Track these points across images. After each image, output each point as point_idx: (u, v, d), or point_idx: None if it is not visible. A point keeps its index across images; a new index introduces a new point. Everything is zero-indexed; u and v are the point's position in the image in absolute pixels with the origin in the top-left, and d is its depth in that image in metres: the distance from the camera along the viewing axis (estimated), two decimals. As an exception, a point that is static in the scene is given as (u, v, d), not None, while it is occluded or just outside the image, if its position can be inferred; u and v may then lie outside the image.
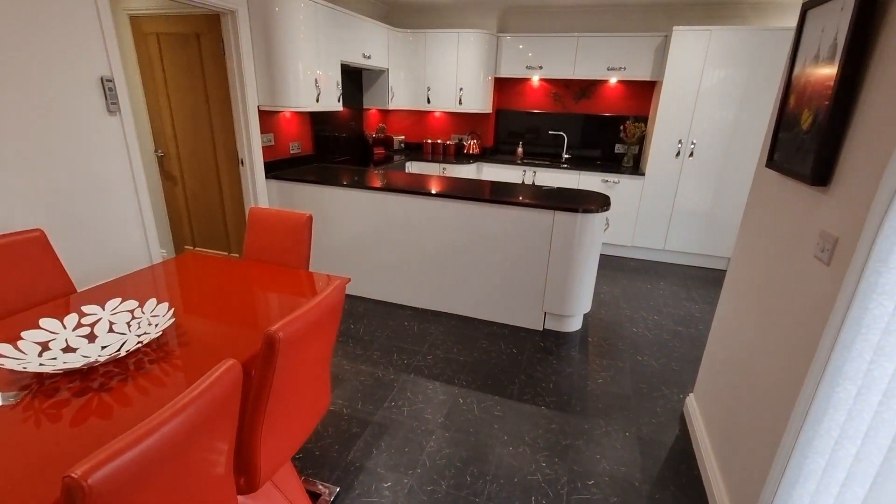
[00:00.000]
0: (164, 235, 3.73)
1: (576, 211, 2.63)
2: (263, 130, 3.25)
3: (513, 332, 2.94)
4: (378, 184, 3.09)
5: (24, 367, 1.14)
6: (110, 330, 1.39)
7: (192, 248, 3.71)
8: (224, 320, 1.52)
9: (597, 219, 2.69)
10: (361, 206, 3.12)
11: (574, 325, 2.98)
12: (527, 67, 4.44)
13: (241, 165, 3.22)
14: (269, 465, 1.24)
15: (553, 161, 4.67)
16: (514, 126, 4.93)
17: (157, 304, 1.51)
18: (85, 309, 1.42)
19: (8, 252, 1.62)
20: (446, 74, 4.49)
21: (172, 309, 1.43)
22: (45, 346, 1.28)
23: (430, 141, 5.01)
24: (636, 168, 4.35)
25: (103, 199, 2.26)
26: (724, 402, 1.76)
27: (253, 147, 3.15)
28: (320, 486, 1.74)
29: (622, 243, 4.34)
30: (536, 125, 4.84)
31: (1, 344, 1.20)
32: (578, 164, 4.48)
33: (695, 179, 3.94)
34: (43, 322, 1.33)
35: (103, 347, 1.30)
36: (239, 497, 1.28)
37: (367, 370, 2.48)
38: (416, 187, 3.01)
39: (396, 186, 3.02)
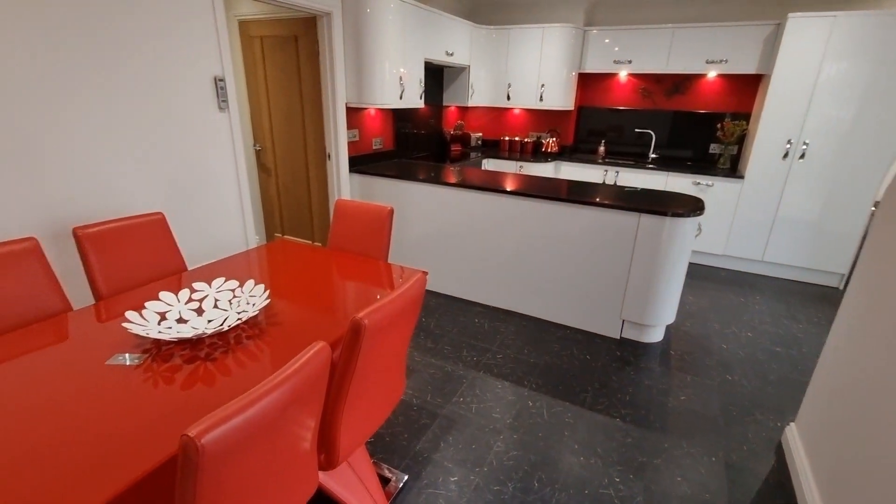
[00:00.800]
0: (257, 223, 4.05)
1: (664, 214, 2.46)
2: (349, 126, 3.40)
3: (587, 338, 2.82)
4: (454, 180, 3.11)
5: (147, 334, 1.29)
6: (215, 306, 1.53)
7: (280, 235, 4.00)
8: (310, 304, 1.61)
9: (688, 223, 2.50)
10: (437, 202, 3.16)
11: (655, 335, 2.80)
12: (614, 62, 4.23)
13: (328, 160, 3.40)
14: (348, 445, 1.30)
15: (638, 161, 4.41)
16: (596, 124, 4.72)
17: (255, 285, 1.64)
18: (195, 285, 1.58)
19: (136, 232, 1.85)
20: (528, 71, 4.41)
21: (268, 290, 1.54)
22: (162, 316, 1.45)
23: (507, 138, 4.95)
24: (733, 170, 3.97)
25: (210, 188, 2.50)
26: (838, 438, 1.55)
27: (339, 142, 3.31)
28: (389, 472, 1.80)
29: (713, 251, 3.99)
30: (621, 123, 4.60)
31: (130, 311, 1.37)
32: (666, 164, 4.19)
33: (804, 184, 3.51)
34: (162, 295, 1.50)
35: (209, 321, 1.44)
36: (318, 473, 1.35)
37: (437, 363, 2.51)
38: (492, 184, 2.99)
39: (472, 183, 3.02)
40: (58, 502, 0.82)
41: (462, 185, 3.03)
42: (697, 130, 4.28)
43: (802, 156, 3.47)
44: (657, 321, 2.70)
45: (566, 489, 1.74)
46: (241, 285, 1.69)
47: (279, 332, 1.43)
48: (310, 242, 3.84)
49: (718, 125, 4.13)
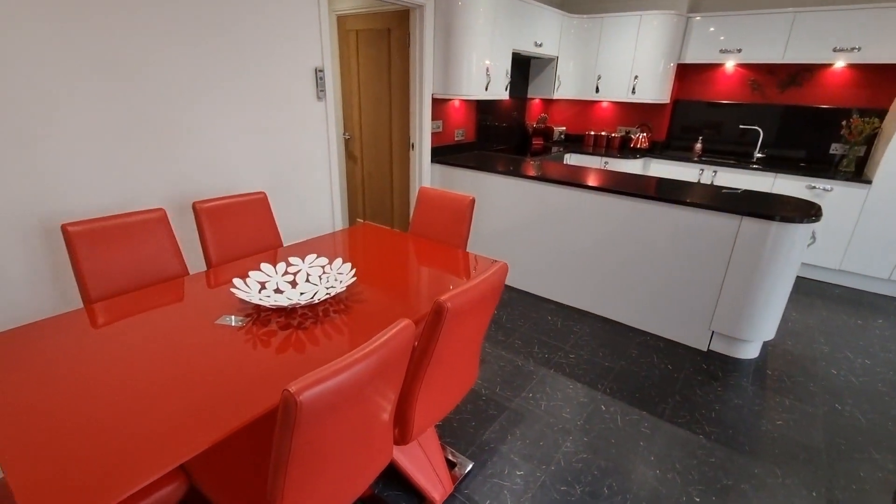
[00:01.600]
0: (342, 208, 4.28)
1: (770, 218, 2.23)
2: (434, 118, 3.46)
3: (669, 347, 2.64)
4: (534, 173, 3.05)
5: (250, 300, 1.42)
6: (307, 280, 1.64)
7: (361, 220, 4.19)
8: (390, 286, 1.67)
9: (799, 231, 2.24)
10: (516, 194, 3.12)
11: (750, 351, 2.55)
12: (720, 52, 3.87)
13: (411, 149, 3.50)
14: (421, 423, 1.33)
15: (740, 160, 4.02)
16: (693, 119, 4.37)
17: (343, 263, 1.74)
18: (291, 260, 1.70)
19: (243, 208, 2.04)
20: (621, 61, 4.18)
21: (354, 269, 1.62)
22: (262, 286, 1.58)
23: (592, 133, 4.75)
24: (858, 174, 3.48)
25: (305, 172, 2.68)
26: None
27: (424, 133, 3.39)
28: (455, 457, 1.83)
29: (826, 265, 3.54)
30: (722, 118, 4.21)
31: (236, 279, 1.52)
32: (774, 164, 3.77)
33: (955, 193, 2.98)
34: (263, 266, 1.64)
35: (301, 293, 1.55)
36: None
37: (508, 357, 2.50)
38: (574, 178, 2.88)
39: (552, 176, 2.94)
40: (170, 439, 0.94)
41: (542, 178, 2.96)
42: (815, 128, 3.80)
43: (954, 160, 2.95)
44: (753, 336, 2.46)
45: (638, 501, 1.65)
46: (330, 263, 1.80)
47: (362, 309, 1.50)
48: (389, 228, 3.98)
49: (843, 122, 3.63)
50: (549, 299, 3.19)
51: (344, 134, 4.00)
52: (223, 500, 1.15)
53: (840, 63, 3.53)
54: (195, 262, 2.11)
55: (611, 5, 4.37)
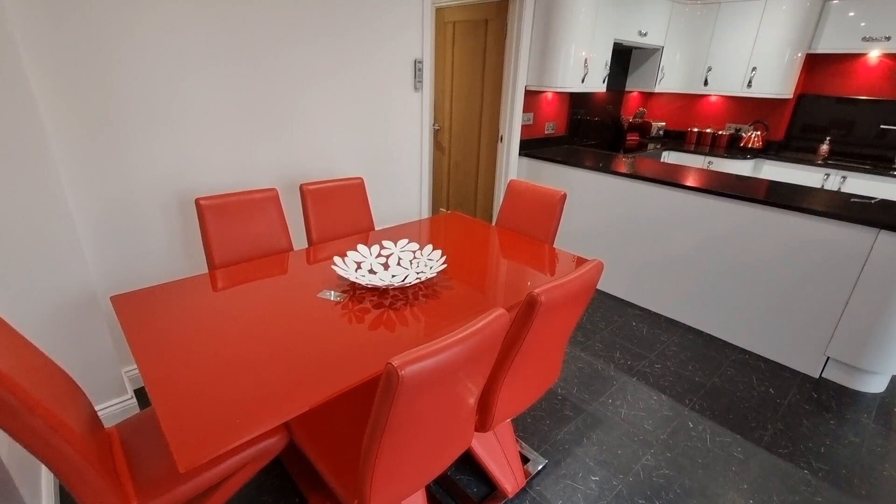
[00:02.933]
0: (426, 197, 4.39)
1: (918, 235, 1.91)
2: (525, 110, 3.41)
3: (772, 369, 2.40)
4: (626, 170, 2.89)
5: (348, 277, 1.52)
6: (398, 263, 1.72)
7: (445, 210, 4.27)
8: (478, 275, 1.69)
9: (957, 251, 1.90)
10: (606, 192, 2.99)
11: (874, 385, 2.23)
12: (863, 39, 3.37)
13: (499, 142, 3.49)
14: (501, 412, 1.35)
15: (877, 165, 3.49)
16: (821, 116, 3.85)
17: (433, 250, 1.79)
18: (384, 243, 1.79)
19: (342, 192, 2.17)
20: (737, 52, 3.80)
21: (445, 256, 1.67)
22: (358, 265, 1.68)
23: (696, 129, 4.39)
24: None
25: (399, 160, 2.79)
26: None
27: (514, 125, 3.35)
28: (528, 452, 1.82)
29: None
30: (858, 117, 3.66)
31: (337, 257, 1.63)
32: (925, 173, 3.22)
33: None
34: (359, 247, 1.74)
35: (393, 276, 1.63)
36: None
37: (587, 359, 2.42)
38: (670, 178, 2.69)
39: (646, 174, 2.76)
40: (277, 398, 1.04)
41: (634, 175, 2.80)
42: None
43: None
44: (880, 368, 2.15)
45: (727, 528, 1.54)
46: (420, 249, 1.87)
47: (450, 296, 1.54)
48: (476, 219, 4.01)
49: None
50: (634, 304, 3.03)
51: (433, 125, 4.09)
52: (319, 458, 1.25)
53: None
54: (301, 239, 2.30)
55: (730, -11, 3.97)
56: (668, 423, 1.99)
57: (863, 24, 3.35)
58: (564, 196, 2.07)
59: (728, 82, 3.92)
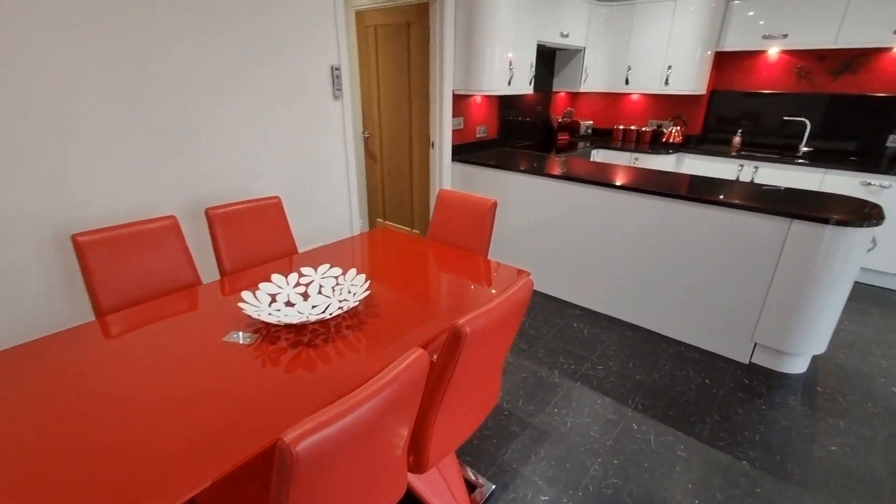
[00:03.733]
0: (361, 208, 4.22)
1: (824, 222, 2.02)
2: (454, 114, 3.34)
3: (706, 359, 2.47)
4: (559, 171, 2.89)
5: (258, 316, 1.34)
6: (319, 291, 1.56)
7: (382, 220, 4.12)
8: (408, 297, 1.57)
9: (857, 235, 2.02)
10: (541, 194, 2.97)
11: (797, 366, 2.35)
12: (763, 37, 3.60)
13: (431, 148, 3.39)
14: (438, 451, 1.23)
15: (784, 154, 3.75)
16: (731, 110, 4.10)
17: (357, 274, 1.65)
18: (303, 270, 1.62)
19: (256, 214, 1.97)
20: (653, 51, 3.95)
21: (369, 281, 1.53)
22: (273, 298, 1.51)
23: (621, 127, 4.53)
24: (921, 169, 3.18)
25: (322, 174, 2.61)
26: None
27: (444, 130, 3.27)
28: (475, 477, 1.72)
29: (885, 269, 3.26)
30: (764, 109, 3.93)
31: (246, 292, 1.45)
32: (823, 159, 3.49)
33: None
34: (274, 277, 1.57)
35: (313, 307, 1.47)
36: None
37: (531, 367, 2.38)
38: (602, 177, 2.72)
39: (579, 175, 2.78)
40: (173, 470, 0.86)
41: (568, 177, 2.80)
42: (871, 118, 3.49)
43: None
44: (802, 350, 2.26)
45: (676, 535, 1.52)
46: (343, 273, 1.72)
47: (377, 325, 1.41)
48: (409, 229, 3.90)
49: (904, 112, 3.32)
50: (575, 304, 3.03)
51: (363, 132, 3.93)
52: (226, 534, 1.08)
53: (901, 47, 3.22)
54: (212, 269, 2.06)
55: (643, -9, 4.12)
56: (613, 428, 1.97)
57: (762, 22, 3.58)
58: (495, 204, 2.00)
59: (647, 81, 4.07)
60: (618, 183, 2.62)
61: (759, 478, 1.73)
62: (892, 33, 3.11)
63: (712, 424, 2.00)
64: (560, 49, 4.07)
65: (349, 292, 1.52)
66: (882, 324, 2.82)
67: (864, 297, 3.18)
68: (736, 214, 2.25)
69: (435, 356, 1.55)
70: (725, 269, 2.35)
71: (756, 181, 3.63)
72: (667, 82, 3.96)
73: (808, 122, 3.74)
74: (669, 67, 3.91)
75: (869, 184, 3.18)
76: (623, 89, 4.24)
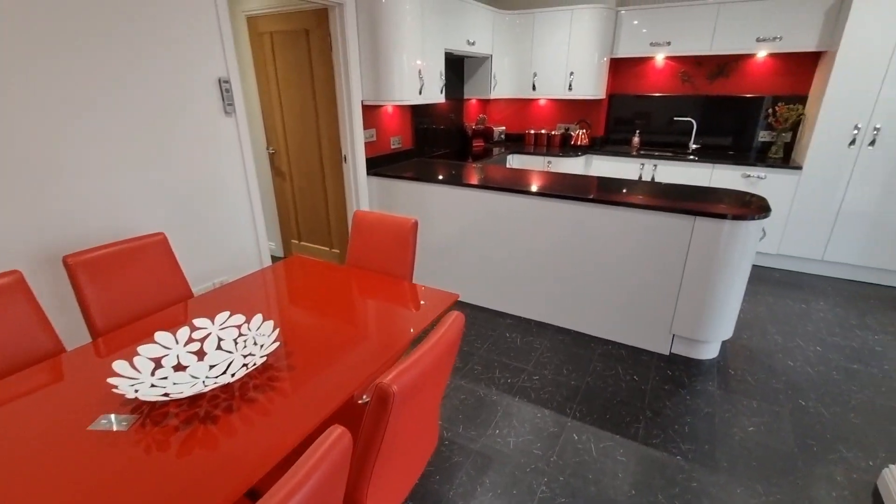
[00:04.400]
0: (272, 229, 3.88)
1: (723, 217, 2.16)
2: (366, 126, 3.17)
3: (632, 355, 2.55)
4: (479, 180, 2.86)
5: (136, 393, 1.09)
6: (218, 347, 1.33)
7: (297, 241, 3.82)
8: (327, 340, 1.39)
9: (751, 227, 2.19)
10: (462, 205, 2.91)
11: (709, 352, 2.51)
12: (650, 45, 3.87)
13: (343, 162, 3.19)
14: (374, 521, 1.08)
15: (677, 152, 4.07)
16: (629, 113, 4.38)
17: (263, 321, 1.43)
18: (196, 322, 1.37)
19: (135, 257, 1.66)
20: (555, 58, 4.09)
21: (277, 330, 1.33)
22: (158, 363, 1.25)
23: (533, 132, 4.65)
24: (787, 160, 3.60)
25: (218, 199, 2.31)
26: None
27: (356, 143, 3.09)
28: (421, 524, 1.59)
29: (765, 250, 3.64)
30: (657, 111, 4.24)
31: (118, 361, 1.18)
32: (710, 155, 3.84)
33: (874, 174, 3.13)
34: (158, 336, 1.30)
35: (211, 367, 1.24)
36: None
37: (468, 387, 2.28)
38: (521, 184, 2.72)
39: (499, 183, 2.76)
40: None
41: (488, 186, 2.77)
42: (744, 116, 3.90)
43: (872, 142, 3.09)
44: (712, 337, 2.41)
45: (627, 549, 1.49)
46: (247, 320, 1.49)
47: (293, 379, 1.22)
48: (328, 249, 3.65)
49: (770, 110, 3.75)
50: (505, 313, 3.01)
51: (268, 149, 3.61)
52: None
53: (762, 52, 3.62)
54: (79, 330, 1.71)
55: (541, 1, 4.26)
56: (555, 441, 1.94)
57: (647, 30, 3.85)
58: (415, 224, 1.88)
59: (552, 86, 4.21)
60: (536, 189, 2.63)
61: (694, 471, 1.78)
62: (754, 41, 3.49)
63: (645, 422, 2.04)
64: (468, 56, 4.07)
65: (255, 343, 1.31)
66: (772, 302, 3.14)
67: (752, 277, 3.53)
68: (649, 215, 2.34)
69: (365, 396, 1.38)
70: (642, 266, 2.44)
71: (657, 179, 3.89)
72: (570, 88, 4.12)
73: (693, 121, 4.09)
74: (571, 73, 4.07)
75: (749, 175, 3.53)
76: (531, 95, 4.35)
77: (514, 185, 2.74)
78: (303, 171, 3.51)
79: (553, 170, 4.18)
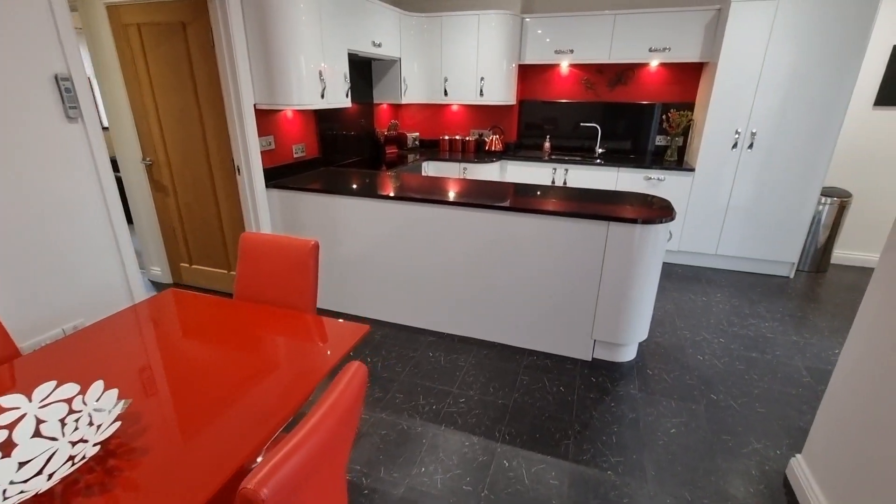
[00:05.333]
0: (157, 253, 3.35)
1: (634, 222, 2.18)
2: (262, 133, 2.83)
3: (557, 365, 2.50)
4: (393, 191, 2.66)
5: None
6: (36, 433, 0.99)
7: (188, 265, 3.33)
8: (201, 401, 1.11)
9: (660, 231, 2.23)
10: (376, 217, 2.69)
11: (628, 354, 2.54)
12: (555, 52, 3.95)
13: (237, 173, 2.81)
14: None
15: (585, 156, 4.20)
16: (539, 118, 4.45)
17: (105, 389, 1.11)
18: (4, 401, 1.02)
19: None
20: (465, 63, 4.03)
21: (123, 402, 1.02)
22: (-66, 470, 0.88)
23: (447, 137, 4.55)
24: (680, 162, 3.86)
25: (64, 223, 1.87)
26: (863, 477, 1.31)
27: (250, 152, 2.73)
28: None
29: (668, 247, 3.86)
30: (565, 117, 4.35)
31: None
32: (614, 159, 4.00)
33: (753, 174, 3.44)
34: (-63, 429, 0.93)
35: (21, 464, 0.90)
36: None
37: (389, 419, 2.07)
38: (436, 194, 2.57)
39: (414, 193, 2.59)
40: None
41: (403, 196, 2.58)
42: (641, 122, 4.13)
43: (751, 145, 3.38)
44: (631, 339, 2.44)
45: (566, 590, 1.38)
46: (82, 392, 1.14)
47: (147, 468, 0.92)
48: (225, 272, 3.22)
49: (664, 116, 4.00)
50: (426, 330, 2.84)
51: (143, 159, 3.10)
52: None
53: (655, 62, 3.85)
54: None
55: (448, 4, 4.18)
56: (486, 472, 1.79)
57: (549, 39, 3.92)
58: (316, 247, 1.63)
59: (464, 92, 4.14)
60: (452, 198, 2.50)
61: (625, 486, 1.73)
62: (647, 51, 3.69)
63: (574, 437, 1.98)
64: (376, 59, 3.86)
65: (91, 424, 0.99)
66: (678, 297, 3.31)
67: (660, 275, 3.72)
68: (563, 221, 2.30)
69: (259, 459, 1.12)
70: (561, 273, 2.40)
71: (569, 183, 3.97)
72: (482, 93, 4.08)
73: (598, 127, 4.25)
74: (482, 79, 4.03)
75: (650, 178, 3.72)
76: (443, 100, 4.25)
77: (430, 194, 2.58)
78: (189, 185, 3.06)
79: (469, 176, 4.11)
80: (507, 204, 2.39)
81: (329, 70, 2.90)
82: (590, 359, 2.54)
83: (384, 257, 2.77)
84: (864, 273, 3.76)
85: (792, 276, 3.65)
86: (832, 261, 3.94)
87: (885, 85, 3.44)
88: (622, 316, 2.37)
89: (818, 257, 3.74)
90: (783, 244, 3.54)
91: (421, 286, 2.75)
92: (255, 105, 2.72)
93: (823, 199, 3.59)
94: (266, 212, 2.91)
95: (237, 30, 2.52)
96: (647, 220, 2.17)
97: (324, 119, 3.46)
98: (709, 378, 2.38)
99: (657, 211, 2.28)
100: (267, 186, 2.88)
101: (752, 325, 2.92)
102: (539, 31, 3.94)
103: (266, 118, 2.86)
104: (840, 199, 3.57)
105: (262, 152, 2.83)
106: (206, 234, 3.17)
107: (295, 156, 3.17)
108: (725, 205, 3.58)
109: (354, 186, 2.80)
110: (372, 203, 2.67)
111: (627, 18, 3.64)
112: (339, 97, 3.05)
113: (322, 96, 2.85)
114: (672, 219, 2.22)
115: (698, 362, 2.52)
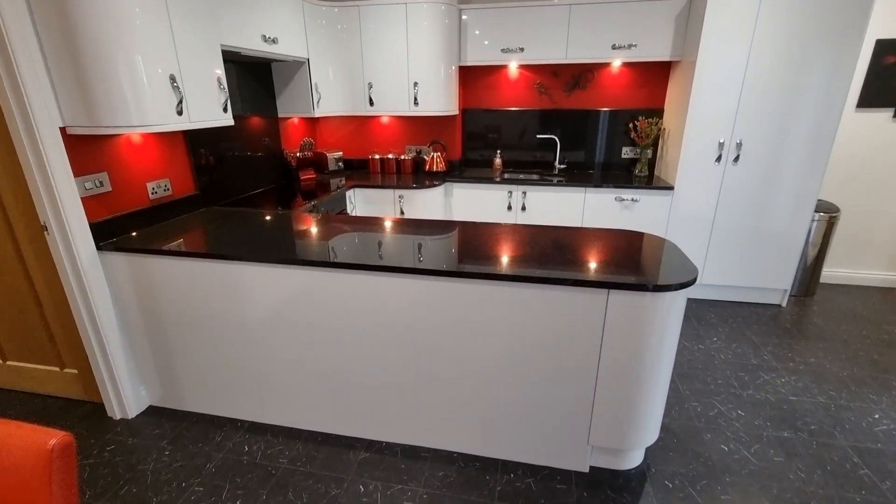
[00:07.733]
0: (-53, 347, 2.26)
1: (643, 288, 1.50)
2: (85, 169, 1.88)
3: (544, 483, 1.76)
4: (298, 249, 1.82)
5: None
6: None
7: (1, 362, 2.27)
8: None
9: (677, 299, 1.57)
10: (275, 285, 1.83)
11: (634, 459, 1.86)
12: (502, 51, 3.27)
13: (45, 233, 1.84)
14: None
15: (543, 174, 3.56)
16: (486, 130, 3.75)
17: None
18: None
19: None
20: (394, 65, 3.25)
21: None
22: None
23: (377, 157, 3.75)
24: (651, 177, 3.30)
25: None
26: None
27: (61, 199, 1.78)
28: None
29: (646, 280, 3.28)
30: (517, 127, 3.69)
31: None
32: (578, 177, 3.38)
33: (740, 191, 2.93)
34: None
35: None
36: None
37: None
38: (366, 252, 1.77)
39: (334, 253, 1.77)
40: None
41: (312, 260, 1.76)
42: (605, 132, 3.55)
43: (736, 158, 2.87)
44: (638, 443, 1.75)
45: None
46: None
47: None
48: (57, 369, 2.21)
49: (631, 125, 3.43)
50: (358, 441, 2.01)
51: None
52: None
53: (618, 62, 3.28)
54: None
55: (367, -8, 3.37)
56: None
57: (494, 35, 3.24)
58: (65, 446, 0.76)
59: (394, 101, 3.35)
60: (385, 261, 1.70)
61: None
62: (610, 49, 3.10)
63: None
64: (274, 60, 2.98)
65: None
66: (670, 346, 2.70)
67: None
68: (545, 290, 1.57)
69: None
70: (545, 359, 1.68)
71: (528, 207, 3.30)
72: (416, 102, 3.31)
73: (557, 139, 3.62)
74: (416, 84, 3.26)
75: (622, 199, 3.12)
76: (369, 111, 3.43)
77: (357, 254, 1.77)
78: (-20, 250, 2.03)
79: (407, 206, 3.32)
80: (464, 268, 1.63)
81: (190, 75, 2.00)
82: (586, 469, 1.83)
83: (294, 339, 1.92)
84: (853, 293, 3.39)
85: (784, 304, 3.19)
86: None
87: (868, 85, 3.06)
88: (628, 415, 1.68)
89: (807, 280, 3.32)
90: (775, 270, 3.06)
91: (353, 380, 1.92)
92: (64, 129, 1.77)
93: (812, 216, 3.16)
94: (102, 285, 1.95)
95: (15, 14, 1.57)
96: (661, 287, 1.49)
97: (199, 141, 2.53)
98: (741, 483, 1.74)
99: (672, 270, 1.62)
100: (100, 248, 1.92)
101: (768, 383, 2.35)
102: (481, 26, 3.24)
103: (92, 147, 1.91)
104: (829, 215, 3.16)
105: (86, 198, 1.88)
106: (19, 320, 2.14)
107: (152, 196, 2.22)
108: (710, 227, 3.05)
109: (244, 241, 1.93)
110: (267, 270, 1.81)
111: (585, 10, 3.03)
112: (210, 112, 2.15)
113: (179, 112, 1.94)
114: (694, 281, 1.56)
115: (724, 455, 1.88)
